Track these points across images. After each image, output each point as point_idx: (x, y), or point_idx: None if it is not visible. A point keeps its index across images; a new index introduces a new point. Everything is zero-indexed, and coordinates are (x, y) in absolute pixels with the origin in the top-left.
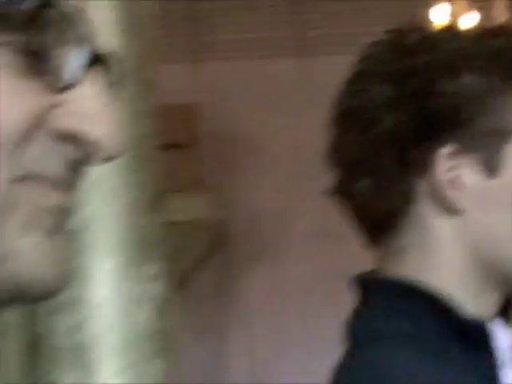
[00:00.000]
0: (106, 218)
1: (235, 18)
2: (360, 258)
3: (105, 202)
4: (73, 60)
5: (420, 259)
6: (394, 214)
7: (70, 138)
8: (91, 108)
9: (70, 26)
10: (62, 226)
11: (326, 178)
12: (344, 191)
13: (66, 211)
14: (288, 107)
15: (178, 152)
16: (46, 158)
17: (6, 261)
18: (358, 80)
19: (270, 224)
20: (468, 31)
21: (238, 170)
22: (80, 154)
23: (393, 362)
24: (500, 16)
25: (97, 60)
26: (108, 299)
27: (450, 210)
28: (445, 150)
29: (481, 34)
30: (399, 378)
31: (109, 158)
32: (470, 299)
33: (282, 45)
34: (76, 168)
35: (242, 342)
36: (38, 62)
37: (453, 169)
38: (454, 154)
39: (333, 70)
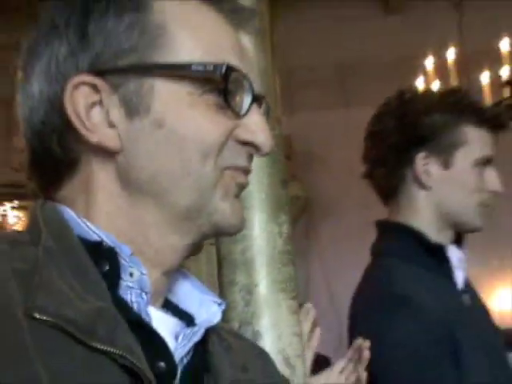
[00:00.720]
0: (257, 190)
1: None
2: (381, 216)
3: (255, 180)
4: (246, 100)
5: (410, 213)
6: (395, 189)
7: (246, 143)
8: (257, 127)
9: (243, 80)
10: (240, 194)
11: (362, 171)
12: (371, 176)
13: (245, 185)
14: (340, 136)
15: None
16: (235, 155)
17: (214, 214)
18: (379, 116)
19: (332, 199)
20: (436, 91)
21: (314, 170)
22: (252, 151)
23: (394, 267)
24: (453, 83)
25: (256, 98)
26: (260, 234)
27: (425, 187)
28: (422, 154)
29: (443, 93)
30: (398, 276)
31: (265, 154)
32: (436, 234)
33: (333, 103)
34: (250, 160)
35: (320, 267)
36: (228, 102)
37: (425, 164)
38: (426, 157)
39: (366, 116)
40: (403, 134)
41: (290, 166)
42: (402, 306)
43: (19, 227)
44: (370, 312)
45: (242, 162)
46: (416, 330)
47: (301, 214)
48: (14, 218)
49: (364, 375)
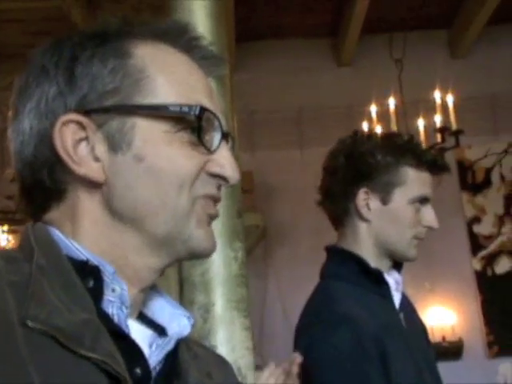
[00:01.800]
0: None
1: (268, 134)
2: (333, 240)
3: None
4: (216, 137)
5: (353, 241)
6: (341, 219)
7: (216, 176)
8: (225, 161)
9: (214, 119)
10: (212, 223)
11: (315, 201)
12: (323, 205)
13: (215, 216)
14: (296, 172)
15: (244, 193)
16: (206, 185)
17: (189, 241)
18: (332, 153)
19: (288, 227)
20: (384, 135)
21: (272, 202)
22: (221, 182)
23: (339, 288)
24: (393, 128)
25: (225, 135)
26: (217, 259)
27: (365, 219)
28: (363, 190)
29: (389, 136)
30: (341, 296)
31: (232, 186)
32: (375, 261)
33: (290, 143)
34: (219, 190)
35: (276, 287)
36: (200, 139)
37: (366, 199)
38: (367, 193)
39: (318, 154)
40: (349, 171)
41: (251, 198)
42: (340, 323)
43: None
44: (311, 326)
45: (212, 190)
46: (350, 345)
47: (260, 240)
48: (5, 240)
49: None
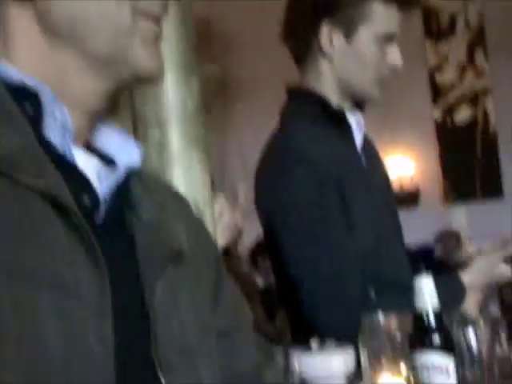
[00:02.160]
0: (168, 52)
1: None
2: None
3: (166, 42)
4: None
5: (314, 79)
6: (303, 55)
7: None
8: None
9: None
10: (160, 43)
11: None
12: (284, 41)
13: (159, 34)
14: (258, 18)
15: (201, 42)
16: (149, 2)
17: (134, 59)
18: None
19: (248, 79)
20: None
21: (231, 52)
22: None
23: (298, 127)
24: None
25: None
26: (171, 92)
27: (328, 57)
28: (327, 24)
29: None
30: (300, 134)
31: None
32: (337, 101)
33: None
34: (164, 9)
35: (235, 141)
36: None
37: (330, 35)
38: (331, 28)
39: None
40: (312, 2)
41: (209, 48)
42: (297, 163)
43: None
44: (268, 168)
45: (155, 8)
46: (309, 186)
47: (218, 94)
48: None
49: (240, 221)
